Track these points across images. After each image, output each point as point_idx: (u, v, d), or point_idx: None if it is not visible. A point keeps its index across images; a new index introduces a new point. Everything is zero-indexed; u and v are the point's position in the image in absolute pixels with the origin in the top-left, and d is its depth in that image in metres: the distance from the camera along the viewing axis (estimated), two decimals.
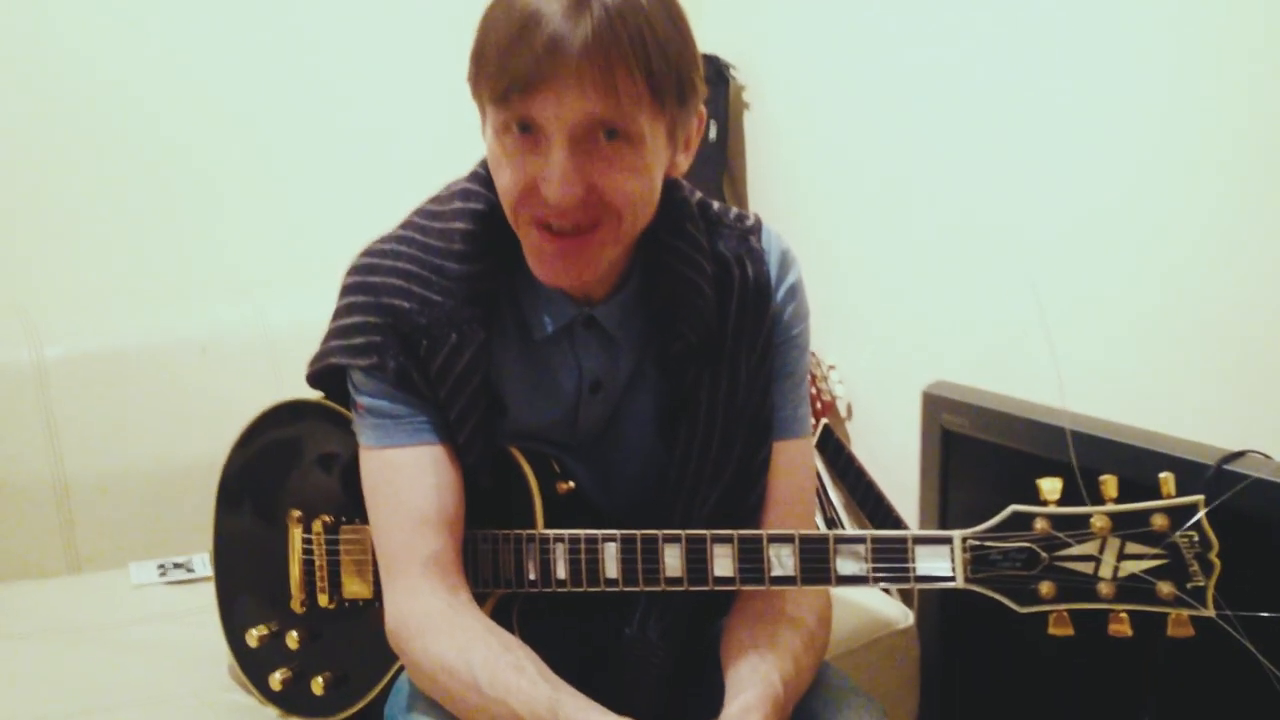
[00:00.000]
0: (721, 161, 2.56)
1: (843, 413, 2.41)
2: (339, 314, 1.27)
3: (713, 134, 2.51)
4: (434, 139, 2.35)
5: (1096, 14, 1.78)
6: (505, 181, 1.13)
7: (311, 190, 2.36)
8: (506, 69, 1.06)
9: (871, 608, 1.80)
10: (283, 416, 1.49)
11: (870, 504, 2.27)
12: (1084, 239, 1.84)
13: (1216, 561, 1.06)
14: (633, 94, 1.07)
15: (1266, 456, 1.44)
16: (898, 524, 2.20)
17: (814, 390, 2.38)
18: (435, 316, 1.20)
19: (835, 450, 2.35)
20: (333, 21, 2.36)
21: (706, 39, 1.16)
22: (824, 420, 2.37)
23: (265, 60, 2.30)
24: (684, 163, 1.21)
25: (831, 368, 2.40)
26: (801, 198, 2.50)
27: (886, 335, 2.31)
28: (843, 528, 2.32)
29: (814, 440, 2.36)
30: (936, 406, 1.75)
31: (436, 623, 1.18)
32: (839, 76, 2.35)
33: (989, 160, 2.01)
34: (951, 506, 1.79)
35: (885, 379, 2.30)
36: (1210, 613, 1.06)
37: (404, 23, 2.42)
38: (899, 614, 1.81)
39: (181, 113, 2.24)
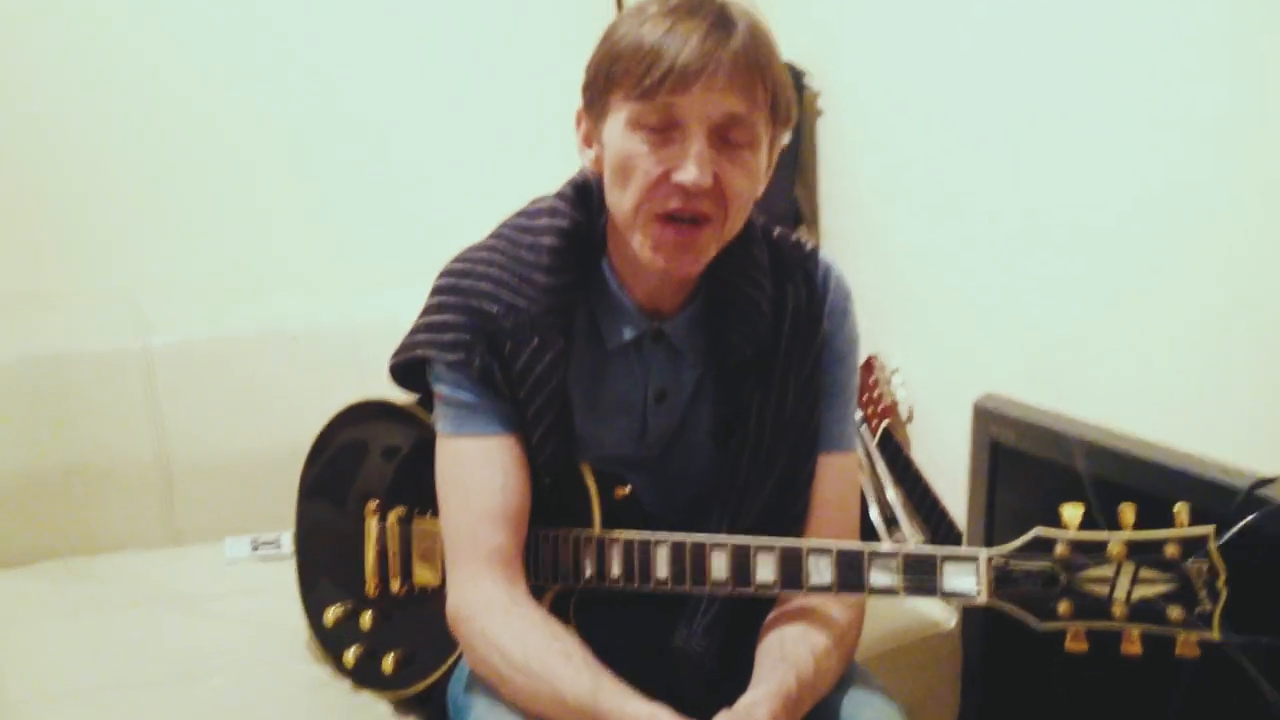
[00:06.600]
0: (794, 166, 2.62)
1: (904, 416, 2.46)
2: (429, 310, 1.37)
3: (786, 139, 2.56)
4: (525, 153, 2.47)
5: (1166, 29, 1.80)
6: (636, 175, 1.23)
7: (402, 200, 2.49)
8: (660, 64, 1.18)
9: (914, 609, 1.86)
10: (365, 413, 1.61)
11: (926, 507, 2.33)
12: (1138, 256, 1.87)
13: (1223, 589, 1.11)
14: (763, 102, 1.23)
15: None
16: (951, 527, 2.25)
17: (876, 393, 2.44)
18: (519, 321, 1.30)
19: (894, 452, 2.41)
20: (437, 27, 2.48)
21: (782, 47, 1.26)
22: (885, 422, 2.43)
23: (368, 78, 2.44)
24: (761, 188, 1.31)
25: (895, 371, 2.45)
26: (870, 203, 2.55)
27: (946, 342, 2.35)
28: (899, 528, 2.38)
29: (871, 442, 2.41)
30: (986, 419, 1.80)
31: (495, 609, 1.28)
32: (909, 86, 2.39)
33: (1052, 174, 2.04)
34: (998, 514, 1.83)
35: (944, 385, 2.35)
36: (1216, 636, 1.12)
37: (506, 34, 2.54)
38: (942, 616, 1.87)
39: (287, 124, 2.38)
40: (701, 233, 1.25)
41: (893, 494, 2.40)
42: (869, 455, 2.41)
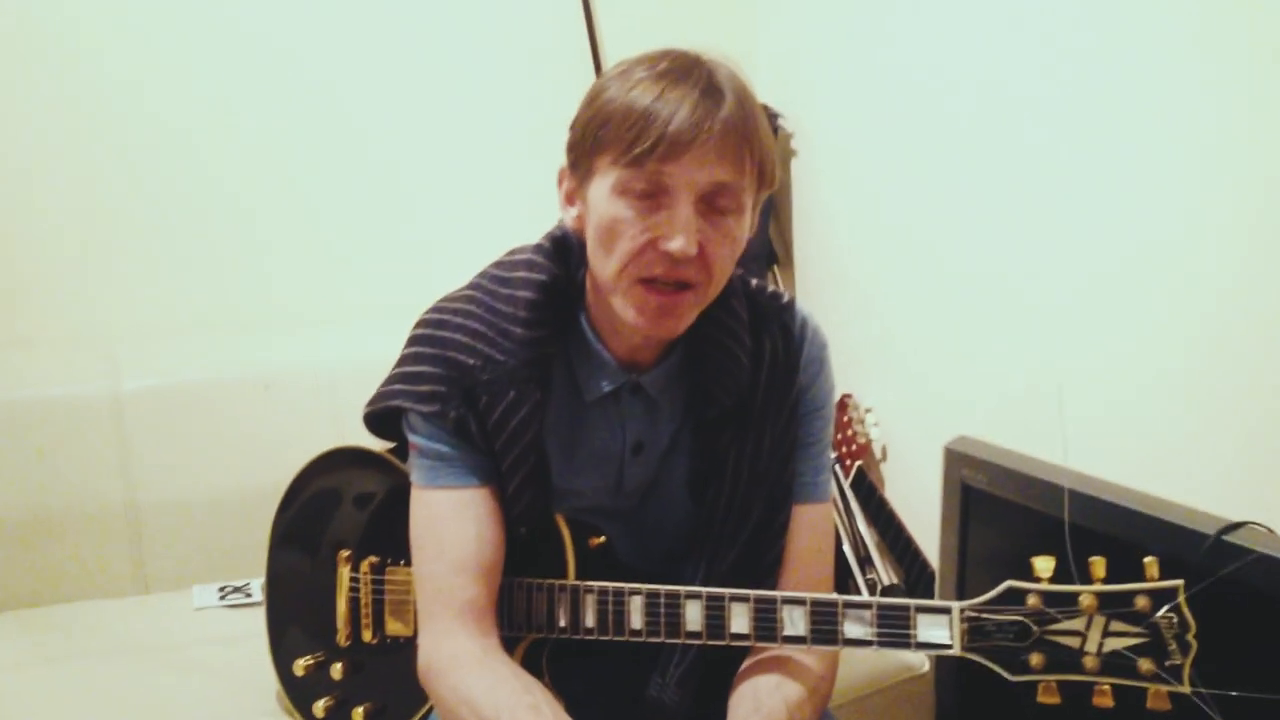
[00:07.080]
0: (769, 207, 2.64)
1: (877, 455, 2.47)
2: (405, 360, 1.36)
3: None
4: (501, 199, 2.48)
5: (1139, 77, 1.82)
6: (621, 240, 1.22)
7: (375, 244, 2.49)
8: (650, 131, 1.18)
9: (888, 652, 1.85)
10: (339, 460, 1.60)
11: (899, 546, 2.34)
12: (1107, 302, 1.89)
13: (1193, 642, 1.12)
14: (749, 171, 1.22)
15: (1269, 530, 1.47)
16: (924, 568, 2.26)
17: (850, 432, 2.45)
18: (497, 374, 1.30)
19: (868, 492, 2.42)
20: (415, 73, 2.49)
21: (757, 88, 1.26)
22: (859, 462, 2.44)
23: (342, 117, 2.44)
24: (742, 249, 1.31)
25: (868, 411, 2.47)
26: (844, 242, 2.57)
27: (920, 383, 2.37)
28: (873, 567, 2.38)
29: (845, 481, 2.42)
30: (957, 462, 1.80)
31: (466, 662, 1.27)
32: (882, 127, 2.41)
33: (1022, 219, 2.06)
34: (970, 555, 1.84)
35: (917, 426, 2.36)
36: (1185, 689, 1.13)
37: (484, 80, 2.54)
38: (916, 660, 1.87)
39: (258, 166, 2.37)
40: (684, 298, 1.25)
41: (866, 533, 2.41)
42: (843, 494, 2.42)
